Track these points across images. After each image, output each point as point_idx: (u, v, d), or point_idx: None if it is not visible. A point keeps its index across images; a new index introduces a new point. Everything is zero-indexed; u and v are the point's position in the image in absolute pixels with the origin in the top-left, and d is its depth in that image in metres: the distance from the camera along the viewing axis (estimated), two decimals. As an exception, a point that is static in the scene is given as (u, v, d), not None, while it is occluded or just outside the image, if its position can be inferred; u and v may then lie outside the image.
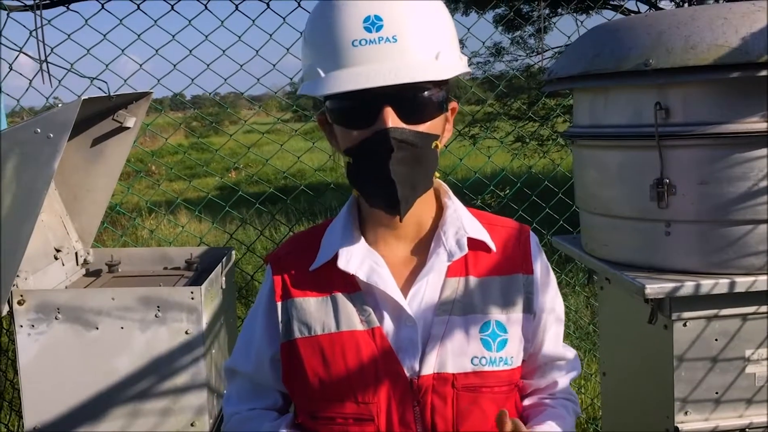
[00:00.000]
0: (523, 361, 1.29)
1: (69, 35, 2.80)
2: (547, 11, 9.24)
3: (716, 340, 1.77)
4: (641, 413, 1.99)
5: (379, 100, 1.09)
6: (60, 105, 2.11)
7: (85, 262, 2.77)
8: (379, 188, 1.12)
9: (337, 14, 1.10)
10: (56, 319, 2.21)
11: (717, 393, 1.78)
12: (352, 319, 1.20)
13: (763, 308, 1.76)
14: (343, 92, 1.08)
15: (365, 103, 1.10)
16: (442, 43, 1.12)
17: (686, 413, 1.78)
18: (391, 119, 1.09)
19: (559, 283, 4.65)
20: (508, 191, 4.11)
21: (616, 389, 2.22)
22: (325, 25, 1.11)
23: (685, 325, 1.76)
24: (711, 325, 1.76)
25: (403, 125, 1.10)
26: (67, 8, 2.70)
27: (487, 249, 1.26)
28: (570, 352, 1.38)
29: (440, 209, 1.28)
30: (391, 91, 1.07)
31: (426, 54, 1.10)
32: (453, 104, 1.24)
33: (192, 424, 2.27)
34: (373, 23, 1.08)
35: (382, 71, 1.06)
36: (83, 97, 2.09)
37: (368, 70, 1.07)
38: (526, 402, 1.35)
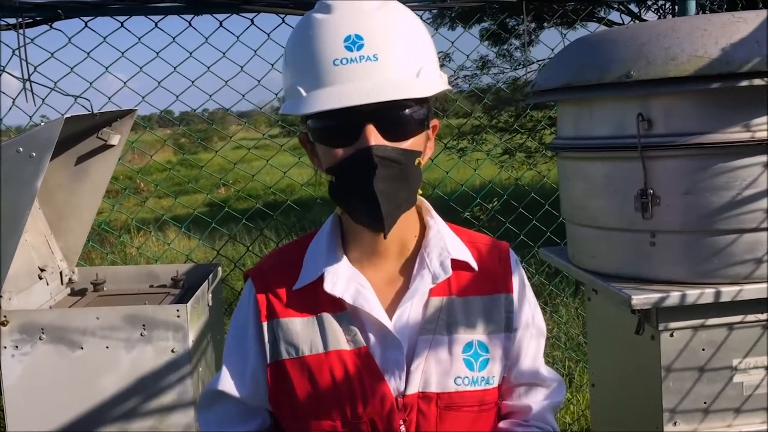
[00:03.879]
0: (503, 377, 1.28)
1: (52, 54, 2.79)
2: (533, 25, 9.31)
3: (703, 349, 1.77)
4: (631, 424, 1.99)
5: (361, 118, 1.09)
6: (43, 123, 2.10)
7: (70, 281, 2.74)
8: (363, 206, 1.12)
9: (318, 33, 1.10)
10: (40, 339, 2.18)
11: (705, 403, 1.78)
12: (338, 338, 1.19)
13: (750, 317, 1.76)
14: (324, 111, 1.07)
15: (347, 122, 1.09)
16: (423, 60, 1.13)
17: (675, 424, 1.78)
18: (374, 137, 1.09)
19: (549, 294, 4.67)
20: (495, 204, 4.11)
21: (605, 400, 2.22)
22: (306, 45, 1.11)
23: (672, 335, 1.75)
24: (698, 335, 1.76)
25: (386, 143, 1.10)
26: (50, 27, 2.68)
27: (470, 269, 1.26)
28: (553, 379, 1.36)
29: (423, 228, 1.28)
30: (373, 108, 1.07)
31: (407, 72, 1.10)
32: (434, 122, 1.24)
33: (179, 444, 2.24)
34: (353, 42, 1.08)
35: (364, 89, 1.06)
36: (66, 116, 2.07)
37: (350, 88, 1.07)
38: (500, 425, 1.32)
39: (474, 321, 1.23)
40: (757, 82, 1.62)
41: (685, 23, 1.75)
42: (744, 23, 1.69)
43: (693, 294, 1.71)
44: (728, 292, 1.72)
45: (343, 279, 1.20)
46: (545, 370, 1.34)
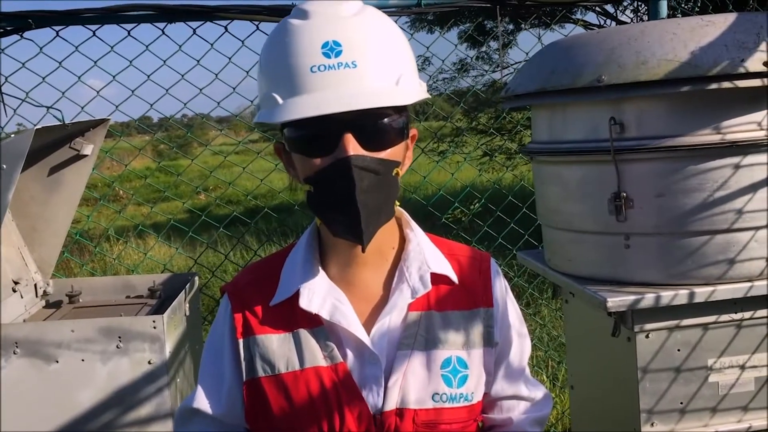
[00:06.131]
0: (485, 393, 1.27)
1: (23, 63, 2.76)
2: (510, 27, 9.35)
3: (678, 350, 1.78)
4: (609, 425, 2.00)
5: (340, 126, 1.06)
6: (13, 134, 2.07)
7: (45, 293, 2.71)
8: (341, 217, 1.10)
9: (295, 39, 1.07)
10: (15, 353, 2.15)
11: (682, 403, 1.79)
12: (315, 355, 1.17)
13: (724, 317, 1.78)
14: (301, 119, 1.04)
15: (325, 131, 1.07)
16: (402, 68, 1.11)
17: (652, 424, 1.79)
18: (352, 146, 1.06)
19: (530, 296, 4.67)
20: (474, 207, 4.12)
21: (584, 402, 2.23)
22: (282, 51, 1.08)
23: (647, 336, 1.77)
24: (673, 336, 1.77)
25: (364, 152, 1.07)
26: (21, 36, 2.65)
27: (450, 282, 1.24)
28: (539, 392, 1.35)
29: (402, 240, 1.26)
30: (352, 117, 1.04)
31: (386, 79, 1.08)
32: (413, 131, 1.22)
33: (157, 456, 2.22)
34: (331, 48, 1.05)
35: (342, 97, 1.03)
36: (36, 127, 2.05)
37: (327, 96, 1.04)
38: None
39: (452, 336, 1.21)
40: (726, 84, 1.64)
41: (655, 27, 1.77)
42: (712, 27, 1.71)
43: (667, 295, 1.72)
44: (702, 293, 1.74)
45: (319, 294, 1.18)
46: (531, 379, 1.34)
